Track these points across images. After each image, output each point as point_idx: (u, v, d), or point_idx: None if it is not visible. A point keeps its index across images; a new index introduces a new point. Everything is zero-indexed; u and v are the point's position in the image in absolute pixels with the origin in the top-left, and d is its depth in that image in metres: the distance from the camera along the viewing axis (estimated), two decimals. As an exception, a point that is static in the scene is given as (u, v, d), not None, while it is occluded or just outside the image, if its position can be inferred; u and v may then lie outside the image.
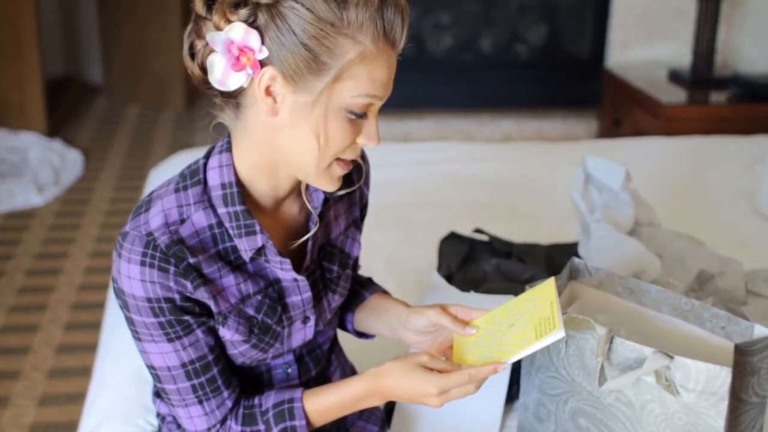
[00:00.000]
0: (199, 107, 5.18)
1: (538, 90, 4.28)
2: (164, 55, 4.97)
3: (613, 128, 3.95)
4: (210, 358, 1.22)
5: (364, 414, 1.46)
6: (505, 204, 2.57)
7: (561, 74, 4.28)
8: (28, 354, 2.82)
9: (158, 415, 1.43)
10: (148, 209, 1.18)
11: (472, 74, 4.25)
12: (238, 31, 1.09)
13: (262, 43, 1.10)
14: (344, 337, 1.55)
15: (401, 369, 1.20)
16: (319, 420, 1.25)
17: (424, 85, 4.20)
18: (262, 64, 1.11)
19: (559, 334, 1.17)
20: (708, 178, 2.76)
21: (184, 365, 1.20)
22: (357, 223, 1.39)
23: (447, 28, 4.25)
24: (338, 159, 1.17)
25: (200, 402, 1.23)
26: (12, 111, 4.48)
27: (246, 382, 1.31)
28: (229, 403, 1.25)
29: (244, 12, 1.10)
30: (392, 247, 2.27)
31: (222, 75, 1.12)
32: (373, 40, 1.11)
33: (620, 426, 1.29)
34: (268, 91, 1.12)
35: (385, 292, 1.47)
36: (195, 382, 1.22)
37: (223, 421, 1.25)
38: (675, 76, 3.79)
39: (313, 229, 1.27)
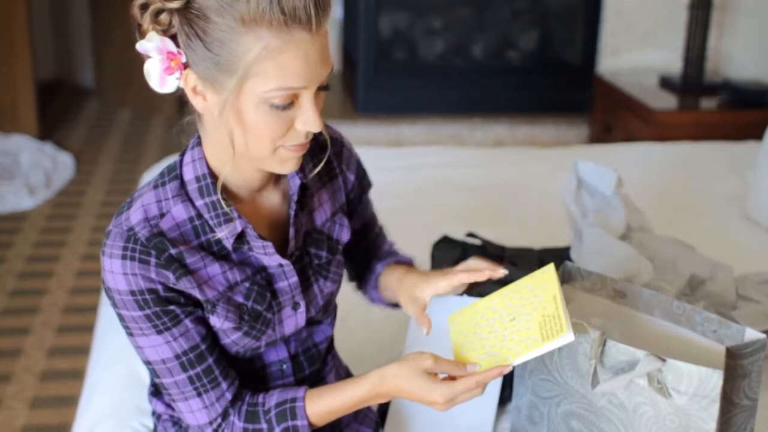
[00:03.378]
0: (190, 111, 5.17)
1: (529, 95, 4.29)
2: (156, 58, 4.95)
3: (604, 134, 3.96)
4: (203, 347, 1.23)
5: (359, 416, 1.47)
6: (497, 208, 2.58)
7: (552, 80, 4.29)
8: (20, 357, 2.82)
9: (154, 413, 1.44)
10: (129, 207, 1.21)
11: (464, 79, 4.26)
12: (155, 40, 1.12)
13: (179, 47, 1.13)
14: (338, 339, 1.55)
15: (406, 374, 1.20)
16: (321, 420, 1.26)
17: (416, 90, 4.21)
18: (186, 66, 1.14)
19: (568, 338, 1.15)
20: (698, 184, 2.77)
21: (177, 356, 1.21)
22: (344, 209, 1.40)
23: (439, 33, 4.26)
24: (284, 147, 1.17)
25: (199, 394, 1.24)
26: (3, 114, 4.47)
27: (242, 379, 1.32)
28: (228, 396, 1.25)
29: (163, 18, 1.12)
30: (385, 250, 2.27)
31: (159, 80, 1.15)
32: (275, 32, 1.09)
33: (613, 428, 1.30)
34: (195, 90, 1.15)
35: (399, 262, 1.50)
36: (191, 373, 1.22)
37: (225, 415, 1.25)
38: (666, 83, 3.81)
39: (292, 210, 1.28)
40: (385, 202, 2.58)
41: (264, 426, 1.25)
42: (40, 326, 2.99)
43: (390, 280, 1.45)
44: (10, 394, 2.63)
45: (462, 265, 1.38)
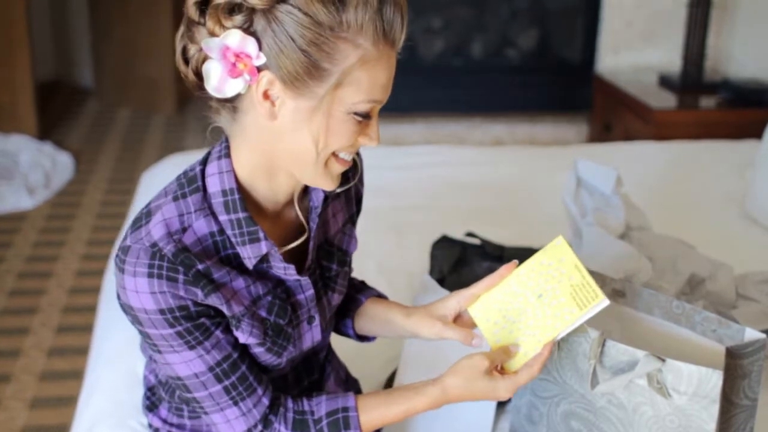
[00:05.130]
0: (190, 110, 5.17)
1: (529, 94, 4.29)
2: (155, 58, 4.96)
3: (603, 133, 3.96)
4: (235, 356, 1.20)
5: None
6: (497, 207, 2.58)
7: (552, 79, 4.29)
8: (19, 357, 2.81)
9: (150, 426, 1.41)
10: (149, 221, 1.15)
11: (464, 78, 4.25)
12: (234, 38, 1.06)
13: (260, 49, 1.07)
14: (337, 338, 1.55)
15: (465, 381, 1.20)
16: (371, 428, 1.24)
17: (416, 90, 4.21)
18: (260, 69, 1.08)
19: (604, 303, 1.18)
20: (698, 183, 2.77)
21: (211, 369, 1.18)
22: (353, 219, 1.38)
23: (438, 32, 4.25)
24: (336, 158, 1.16)
25: (236, 403, 1.20)
26: (3, 114, 4.47)
27: None
28: (266, 401, 1.22)
29: (239, 18, 1.07)
30: (384, 250, 2.27)
31: (219, 82, 1.09)
32: (374, 43, 1.09)
33: (612, 428, 1.30)
34: (266, 95, 1.10)
35: (380, 296, 1.45)
36: (226, 383, 1.19)
37: (266, 423, 1.22)
38: (665, 81, 3.81)
39: (314, 230, 1.26)
40: (384, 202, 2.59)
41: None
42: (39, 326, 2.99)
43: (385, 312, 1.38)
44: (9, 394, 2.63)
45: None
